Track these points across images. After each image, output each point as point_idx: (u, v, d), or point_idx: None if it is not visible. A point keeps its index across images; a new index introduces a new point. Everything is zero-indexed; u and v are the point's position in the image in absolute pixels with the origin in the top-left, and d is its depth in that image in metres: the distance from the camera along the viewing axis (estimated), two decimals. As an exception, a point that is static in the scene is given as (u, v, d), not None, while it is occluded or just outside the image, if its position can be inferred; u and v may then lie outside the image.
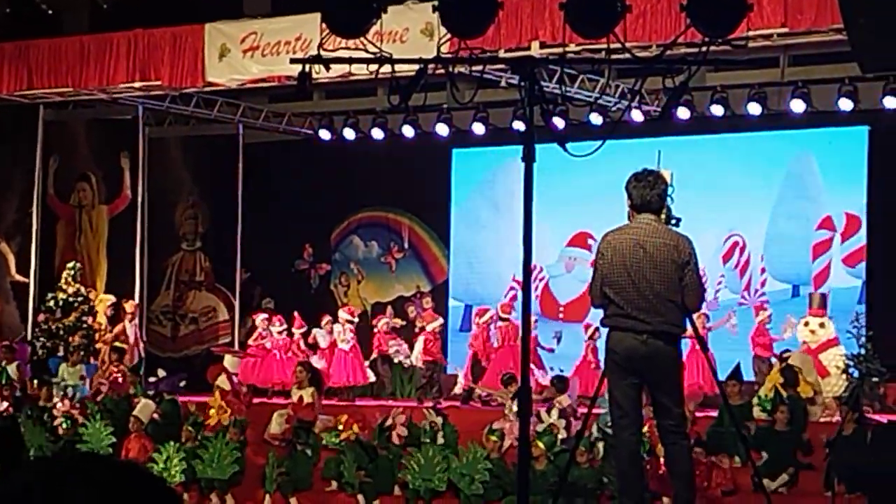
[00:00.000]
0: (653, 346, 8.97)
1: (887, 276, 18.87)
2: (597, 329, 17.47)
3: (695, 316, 17.34)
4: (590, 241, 19.56)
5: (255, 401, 18.92)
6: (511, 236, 17.33)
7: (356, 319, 20.71)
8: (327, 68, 10.20)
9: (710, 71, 18.54)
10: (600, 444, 14.93)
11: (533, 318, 19.68)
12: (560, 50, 14.50)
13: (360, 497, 16.04)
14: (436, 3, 11.32)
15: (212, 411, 17.68)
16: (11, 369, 19.49)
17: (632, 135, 17.74)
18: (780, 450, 14.90)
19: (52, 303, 20.95)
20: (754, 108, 18.89)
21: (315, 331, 20.43)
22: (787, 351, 17.51)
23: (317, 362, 19.60)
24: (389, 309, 21.67)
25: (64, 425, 17.72)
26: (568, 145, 8.42)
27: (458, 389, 19.77)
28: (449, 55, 11.23)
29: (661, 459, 12.64)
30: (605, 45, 10.41)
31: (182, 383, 19.04)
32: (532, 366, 14.54)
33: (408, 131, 20.85)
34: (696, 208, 12.68)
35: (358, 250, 23.57)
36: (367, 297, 23.24)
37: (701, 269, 9.55)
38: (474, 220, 22.27)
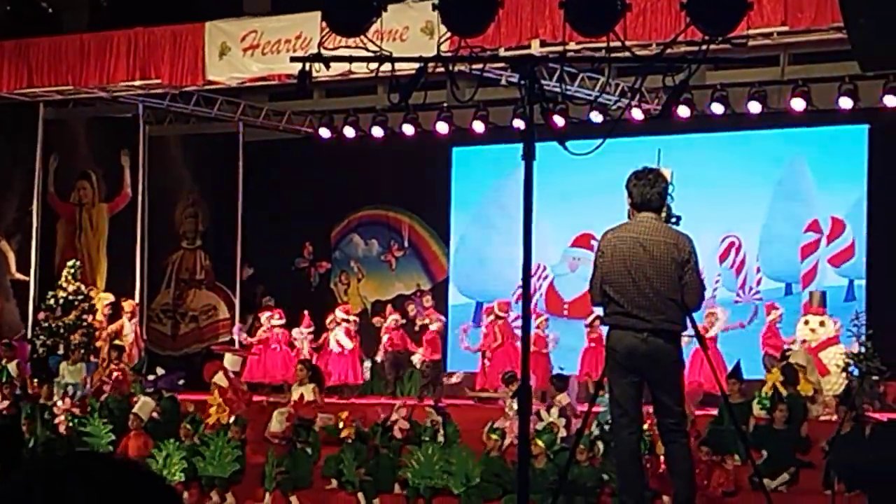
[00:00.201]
0: (653, 345, 8.96)
1: (888, 274, 18.87)
2: (598, 317, 17.48)
3: (704, 314, 17.56)
4: (592, 242, 19.53)
5: (255, 399, 18.92)
6: (519, 236, 17.34)
7: (351, 318, 20.75)
8: (327, 67, 10.19)
9: (710, 69, 18.54)
10: (600, 443, 14.94)
11: (543, 317, 19.78)
12: (560, 48, 14.52)
13: (360, 495, 16.04)
14: (436, 1, 11.31)
15: (212, 409, 17.69)
16: (12, 367, 19.50)
17: (632, 133, 17.73)
18: (778, 448, 14.91)
19: (52, 301, 20.95)
20: (754, 107, 18.89)
21: (295, 331, 20.57)
22: (789, 349, 17.51)
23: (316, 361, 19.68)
24: (390, 307, 21.69)
25: (65, 424, 17.73)
26: (568, 143, 8.41)
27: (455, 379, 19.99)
28: (449, 54, 11.22)
29: (662, 458, 12.64)
30: (605, 44, 10.41)
31: (180, 381, 19.05)
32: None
33: (408, 129, 20.85)
34: (695, 207, 12.67)
35: (358, 248, 23.57)
36: (367, 296, 23.24)
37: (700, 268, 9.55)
38: (484, 217, 22.23)
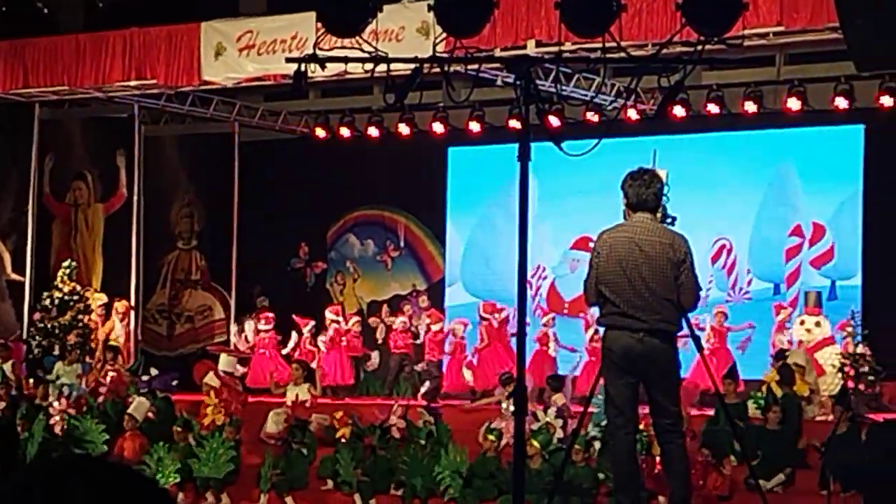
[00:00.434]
0: (649, 345, 8.96)
1: (883, 274, 18.88)
2: (596, 331, 17.50)
3: (713, 313, 17.59)
4: (591, 245, 19.64)
5: (251, 400, 18.91)
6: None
7: (341, 319, 20.78)
8: (323, 67, 10.18)
9: (705, 69, 18.55)
10: (596, 443, 14.94)
11: (550, 316, 19.86)
12: (556, 49, 14.50)
13: (356, 496, 16.02)
14: (431, 2, 11.32)
15: (208, 409, 17.67)
16: (7, 368, 19.48)
17: (627, 133, 17.73)
18: (772, 449, 14.90)
19: (47, 301, 20.93)
20: (750, 107, 18.90)
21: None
22: (787, 350, 17.52)
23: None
24: (386, 308, 21.68)
25: (60, 424, 17.71)
26: (563, 144, 8.41)
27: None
28: (445, 54, 11.22)
29: (658, 458, 12.64)
30: (600, 44, 10.42)
31: (174, 382, 19.03)
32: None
33: (404, 130, 20.86)
34: (690, 207, 12.68)
35: (354, 249, 23.55)
36: (362, 296, 23.22)
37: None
38: (487, 217, 22.21)
